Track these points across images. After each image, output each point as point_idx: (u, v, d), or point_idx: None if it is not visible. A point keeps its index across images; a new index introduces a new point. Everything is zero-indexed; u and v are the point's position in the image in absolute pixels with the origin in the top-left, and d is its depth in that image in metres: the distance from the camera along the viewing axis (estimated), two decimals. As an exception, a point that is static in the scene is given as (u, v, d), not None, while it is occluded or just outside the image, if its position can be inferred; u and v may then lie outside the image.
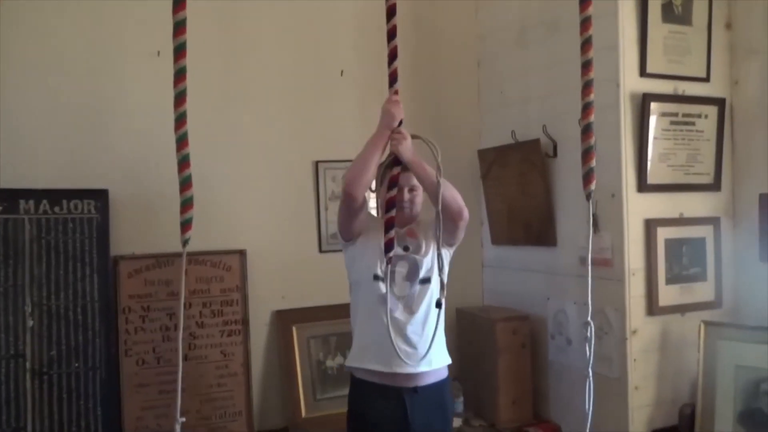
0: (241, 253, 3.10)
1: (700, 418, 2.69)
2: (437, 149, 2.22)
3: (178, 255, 2.97)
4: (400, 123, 2.20)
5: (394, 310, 2.29)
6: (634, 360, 2.76)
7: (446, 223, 2.27)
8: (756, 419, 2.59)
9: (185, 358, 2.96)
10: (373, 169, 2.25)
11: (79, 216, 2.80)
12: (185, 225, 1.82)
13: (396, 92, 2.13)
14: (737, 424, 2.63)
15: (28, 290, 2.69)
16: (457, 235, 2.40)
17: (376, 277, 2.31)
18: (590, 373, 1.93)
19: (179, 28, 1.77)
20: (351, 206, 2.27)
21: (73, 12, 2.89)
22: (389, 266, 2.15)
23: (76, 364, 2.73)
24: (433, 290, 2.36)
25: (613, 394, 2.77)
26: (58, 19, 2.86)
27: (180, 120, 1.81)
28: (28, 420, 2.63)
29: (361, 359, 2.36)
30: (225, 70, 3.14)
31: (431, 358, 2.31)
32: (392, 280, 2.31)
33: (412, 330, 2.31)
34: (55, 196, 2.77)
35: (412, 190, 2.42)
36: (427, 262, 2.36)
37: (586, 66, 1.92)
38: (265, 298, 3.18)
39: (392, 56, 2.20)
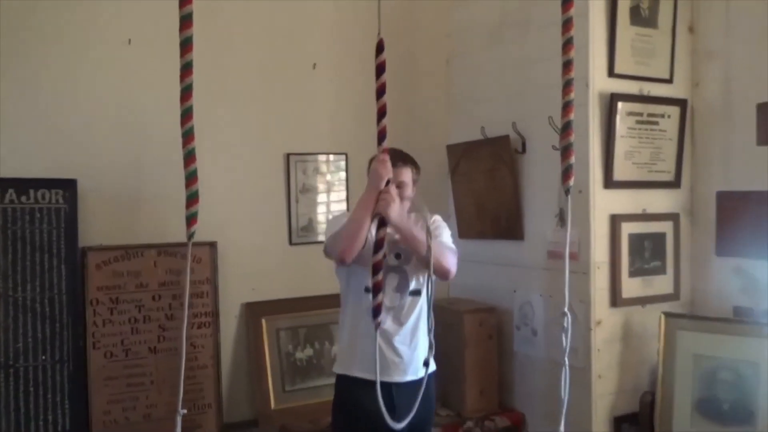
0: (212, 246, 3.09)
1: (659, 406, 2.80)
2: (429, 214, 2.28)
3: (147, 246, 2.97)
4: (388, 182, 2.10)
5: (383, 321, 2.32)
6: (598, 350, 2.86)
7: (421, 258, 2.31)
8: (713, 406, 2.72)
9: (154, 350, 2.93)
10: (364, 233, 2.22)
11: (46, 206, 2.74)
12: (191, 219, 1.78)
13: (385, 151, 2.09)
14: (695, 411, 2.75)
15: (-6, 281, 2.62)
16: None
17: (367, 290, 2.34)
18: (566, 362, 1.99)
19: (185, 22, 1.74)
20: (344, 264, 2.31)
21: (43, -1, 2.82)
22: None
23: (43, 357, 2.68)
24: (423, 302, 2.42)
25: (577, 383, 2.86)
26: (26, 7, 2.77)
27: (186, 115, 1.77)
28: (-6, 414, 2.58)
29: (349, 367, 2.40)
30: (197, 63, 3.10)
31: (418, 367, 2.38)
32: (383, 291, 2.33)
33: (399, 341, 2.37)
34: (23, 185, 2.70)
35: (400, 186, 2.43)
36: (418, 274, 2.40)
37: (567, 65, 1.97)
38: (235, 290, 3.17)
39: (380, 92, 2.10)
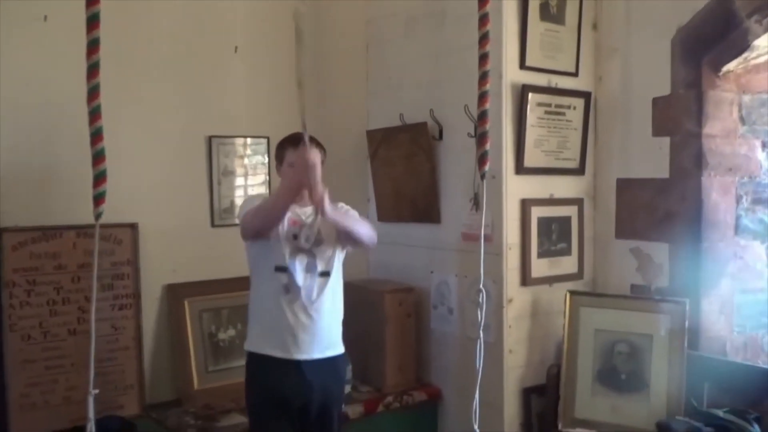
0: (133, 227, 3.07)
1: (564, 377, 3.01)
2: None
3: (65, 228, 2.92)
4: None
5: (293, 300, 2.43)
6: (509, 326, 3.05)
7: (354, 243, 2.55)
8: (611, 375, 2.95)
9: (74, 332, 2.90)
10: (283, 217, 2.40)
11: (-42, 186, 2.67)
12: (98, 198, 1.81)
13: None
14: (596, 381, 2.97)
15: None
16: (358, 248, 2.64)
17: (278, 268, 2.45)
18: (481, 335, 2.16)
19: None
20: (261, 237, 2.44)
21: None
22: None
23: (-43, 340, 2.62)
24: (333, 283, 2.53)
25: (489, 357, 2.95)
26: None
27: (93, 92, 1.79)
28: None
29: (261, 345, 2.49)
30: (117, 43, 3.02)
31: (326, 347, 2.50)
32: (293, 270, 2.45)
33: (308, 319, 2.46)
34: (-68, 164, 2.62)
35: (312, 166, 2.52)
36: (326, 255, 2.51)
37: (483, 58, 2.12)
38: (157, 271, 3.17)
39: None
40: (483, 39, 2.09)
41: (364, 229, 2.55)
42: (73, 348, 2.89)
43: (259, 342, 2.50)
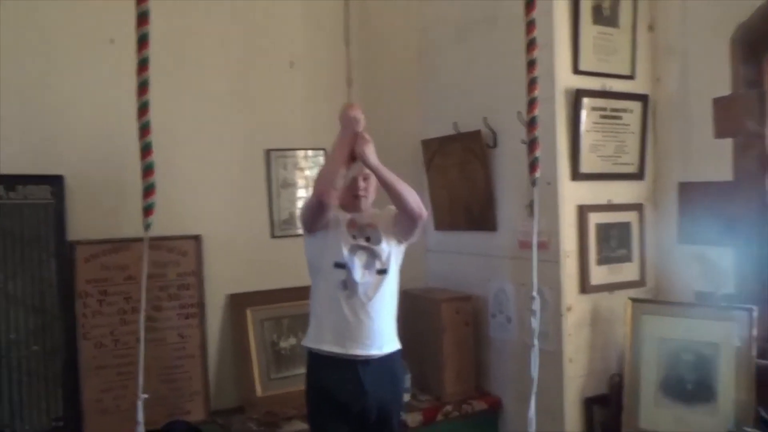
0: (197, 239, 3.19)
1: (627, 387, 2.94)
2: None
3: (134, 240, 3.04)
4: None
5: (351, 296, 2.47)
6: (569, 334, 3.00)
7: (406, 221, 2.53)
8: (677, 385, 2.85)
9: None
10: (341, 171, 2.46)
11: (35, 201, 2.83)
12: (148, 210, 1.89)
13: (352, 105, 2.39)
14: (660, 391, 2.89)
15: (-15, 275, 2.71)
16: (413, 233, 2.62)
17: (337, 265, 2.49)
18: (536, 343, 2.15)
19: (142, 18, 1.84)
20: (321, 209, 2.46)
21: (27, -2, 2.90)
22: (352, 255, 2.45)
23: (35, 348, 2.77)
24: (390, 281, 2.56)
25: (549, 366, 3.00)
26: (9, 6, 2.84)
27: (143, 109, 1.87)
28: (-12, 402, 2.67)
29: (318, 341, 2.53)
30: (180, 61, 3.19)
31: (383, 344, 2.52)
32: (352, 266, 2.49)
33: (365, 315, 2.48)
34: (10, 181, 2.79)
35: (366, 178, 2.60)
36: (384, 253, 2.54)
37: (531, 65, 2.12)
38: (220, 281, 3.28)
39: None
40: (530, 45, 2.10)
41: (411, 194, 2.53)
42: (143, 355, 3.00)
43: (316, 337, 2.54)
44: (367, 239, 2.55)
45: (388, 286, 2.56)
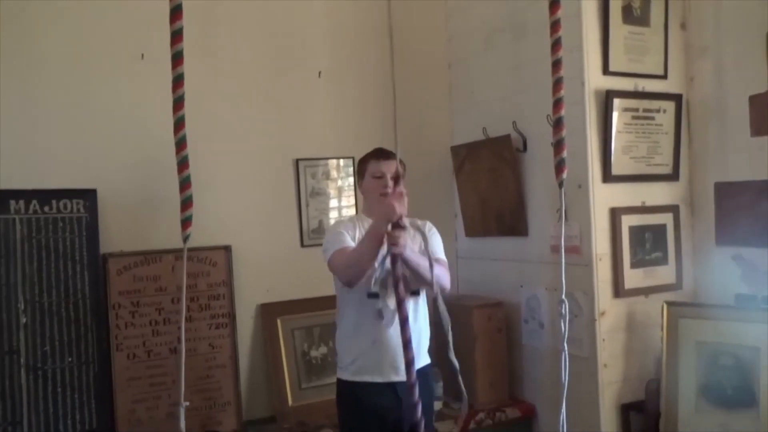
0: (227, 249, 3.21)
1: (665, 392, 2.87)
2: (426, 237, 2.36)
3: (165, 252, 3.08)
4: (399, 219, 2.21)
5: (387, 324, 2.44)
6: (603, 340, 2.94)
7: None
8: (716, 391, 2.78)
9: (174, 350, 3.04)
10: (371, 264, 2.32)
11: (68, 215, 2.87)
12: (185, 222, 1.91)
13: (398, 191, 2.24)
14: (699, 397, 2.81)
15: (21, 288, 2.75)
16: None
17: (370, 295, 2.44)
18: (565, 347, 2.10)
19: (176, 36, 1.86)
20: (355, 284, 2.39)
21: (59, 13, 2.95)
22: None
23: (69, 359, 2.81)
24: (422, 300, 2.55)
25: (584, 373, 2.94)
26: (43, 21, 2.91)
27: (179, 124, 1.90)
28: (24, 414, 2.70)
29: (358, 374, 2.50)
30: (206, 73, 3.23)
31: (419, 362, 2.47)
32: (385, 295, 2.45)
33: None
34: (45, 196, 2.84)
35: (395, 177, 2.57)
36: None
37: (556, 65, 2.09)
38: (251, 292, 3.29)
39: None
40: (555, 45, 2.07)
41: (438, 274, 2.38)
42: (174, 366, 3.03)
43: (355, 371, 2.52)
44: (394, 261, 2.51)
45: (422, 305, 2.54)
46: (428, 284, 2.33)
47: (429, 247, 2.34)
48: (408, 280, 2.46)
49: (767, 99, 2.82)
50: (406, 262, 2.26)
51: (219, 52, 3.27)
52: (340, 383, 2.59)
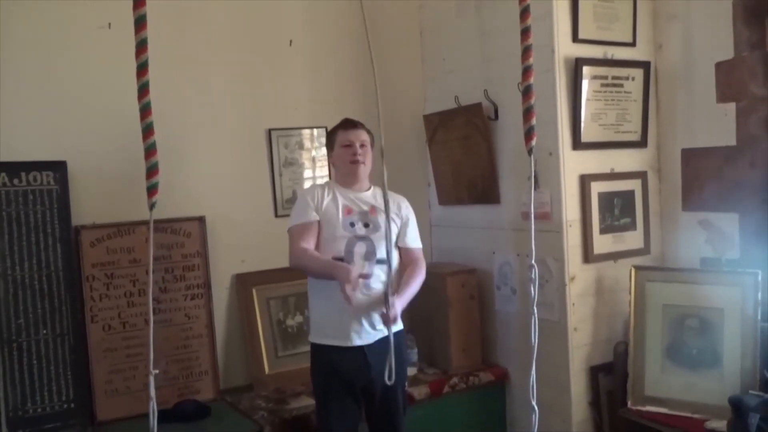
0: (200, 220, 3.21)
1: (632, 354, 2.94)
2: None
3: (138, 223, 3.07)
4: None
5: (353, 289, 2.45)
6: (573, 304, 3.01)
7: None
8: (681, 351, 2.86)
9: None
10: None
11: (38, 188, 2.84)
12: (152, 189, 1.87)
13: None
14: (666, 358, 2.90)
15: (-8, 261, 2.74)
16: None
17: (336, 260, 2.49)
18: (534, 311, 2.15)
19: (138, 2, 1.83)
20: None
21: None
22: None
23: (44, 331, 2.80)
24: (392, 266, 2.55)
25: (554, 336, 3.01)
26: (6, -7, 2.86)
27: (143, 90, 1.85)
28: (0, 386, 2.70)
29: (323, 336, 2.56)
30: (176, 42, 3.18)
31: (385, 330, 2.50)
32: (351, 260, 2.50)
33: (370, 306, 2.50)
34: (13, 168, 2.80)
35: (363, 145, 2.61)
36: (383, 242, 2.51)
37: (525, 33, 2.09)
38: (225, 262, 3.30)
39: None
40: (524, 13, 2.06)
41: (420, 279, 2.69)
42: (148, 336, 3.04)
43: (321, 332, 2.57)
44: (366, 225, 2.55)
45: (390, 272, 2.56)
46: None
47: (407, 238, 2.70)
48: (376, 248, 2.52)
49: (733, 66, 2.88)
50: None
51: (189, 21, 3.23)
52: (312, 347, 2.64)
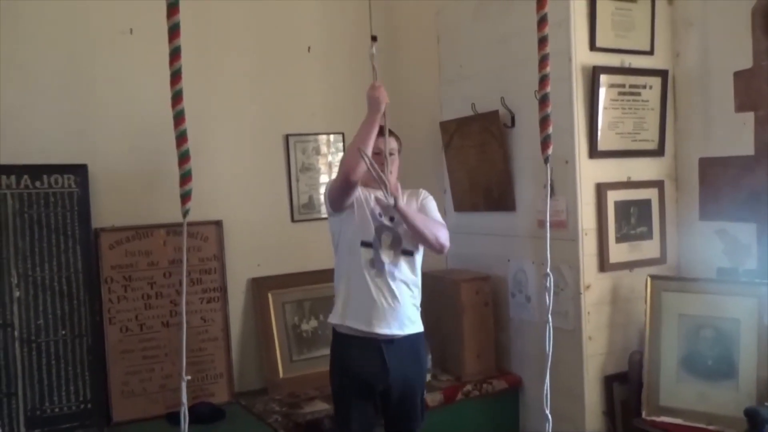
0: (218, 224, 3.23)
1: (647, 363, 2.93)
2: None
3: (156, 226, 3.11)
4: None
5: (378, 275, 2.50)
6: (588, 313, 3.00)
7: (421, 242, 2.58)
8: (697, 361, 2.85)
9: (167, 324, 3.09)
10: (369, 147, 2.45)
11: (59, 190, 2.89)
12: (185, 197, 1.90)
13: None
14: (680, 367, 2.88)
15: (13, 262, 2.77)
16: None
17: (363, 243, 2.52)
18: (549, 320, 2.15)
19: (172, 9, 1.85)
20: (349, 188, 2.47)
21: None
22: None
23: (63, 332, 2.84)
24: (415, 262, 2.59)
25: (569, 345, 3.01)
26: (31, -1, 2.91)
27: (176, 97, 1.86)
28: (19, 386, 2.74)
29: (343, 317, 2.55)
30: (196, 47, 3.19)
31: (406, 324, 2.54)
32: (379, 246, 2.52)
33: (390, 294, 2.51)
34: (36, 171, 2.85)
35: (391, 153, 2.62)
36: (410, 236, 2.54)
37: (543, 41, 2.09)
38: (242, 266, 3.32)
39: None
40: (541, 22, 2.07)
41: (433, 230, 2.55)
42: (166, 339, 3.08)
43: (342, 314, 2.56)
44: (391, 219, 2.57)
45: (414, 268, 2.58)
46: (426, 239, 2.52)
47: (424, 209, 2.64)
48: (402, 239, 2.53)
49: (752, 75, 2.86)
50: (403, 215, 2.46)
51: (208, 27, 3.26)
52: (332, 333, 2.63)
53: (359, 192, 2.58)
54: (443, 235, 2.58)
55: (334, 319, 2.59)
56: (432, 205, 2.71)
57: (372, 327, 2.49)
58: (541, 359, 3.17)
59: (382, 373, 2.50)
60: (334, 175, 3.51)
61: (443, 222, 2.69)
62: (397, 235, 2.55)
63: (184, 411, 1.79)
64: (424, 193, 2.73)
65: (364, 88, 3.57)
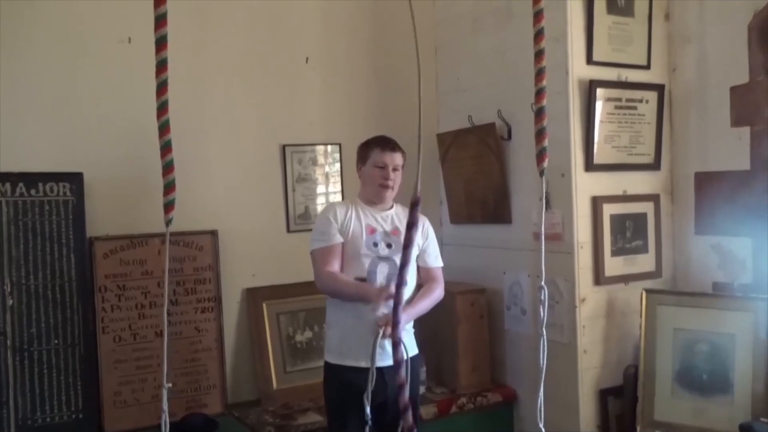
0: (213, 234, 3.23)
1: (642, 377, 2.93)
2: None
3: (152, 236, 3.10)
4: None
5: (375, 309, 2.48)
6: (583, 326, 2.99)
7: None
8: (692, 376, 2.84)
9: (160, 334, 3.07)
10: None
11: (54, 198, 2.88)
12: (168, 206, 1.91)
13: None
14: (675, 381, 2.88)
15: (7, 270, 2.76)
16: None
17: (358, 280, 2.51)
18: (543, 333, 2.15)
19: (160, 21, 1.86)
20: None
21: (45, -1, 2.95)
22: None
23: (56, 341, 2.82)
24: (411, 289, 2.60)
25: (564, 358, 3.00)
26: (30, 7, 2.90)
27: (162, 108, 1.89)
28: (10, 395, 2.72)
29: (343, 357, 2.54)
30: (193, 58, 3.22)
31: (408, 349, 2.50)
32: (374, 280, 2.51)
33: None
34: (31, 179, 2.84)
35: (395, 169, 2.61)
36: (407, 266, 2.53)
37: (539, 55, 2.11)
38: (237, 276, 3.31)
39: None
40: (538, 35, 2.08)
41: (435, 301, 2.71)
42: (160, 349, 3.04)
43: (339, 353, 2.56)
44: (388, 246, 2.55)
45: (409, 292, 2.58)
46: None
47: (428, 258, 2.73)
48: (395, 271, 2.52)
49: (748, 90, 2.88)
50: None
51: (207, 38, 3.27)
52: (327, 366, 2.62)
53: (350, 218, 2.58)
54: (441, 294, 2.72)
55: (331, 358, 2.58)
56: (434, 241, 2.76)
57: (374, 363, 2.47)
58: (536, 372, 3.15)
59: (377, 390, 2.49)
60: (330, 187, 3.56)
61: (440, 264, 2.77)
62: (394, 266, 2.52)
63: (165, 419, 1.79)
64: (428, 224, 2.76)
65: (360, 99, 3.63)
